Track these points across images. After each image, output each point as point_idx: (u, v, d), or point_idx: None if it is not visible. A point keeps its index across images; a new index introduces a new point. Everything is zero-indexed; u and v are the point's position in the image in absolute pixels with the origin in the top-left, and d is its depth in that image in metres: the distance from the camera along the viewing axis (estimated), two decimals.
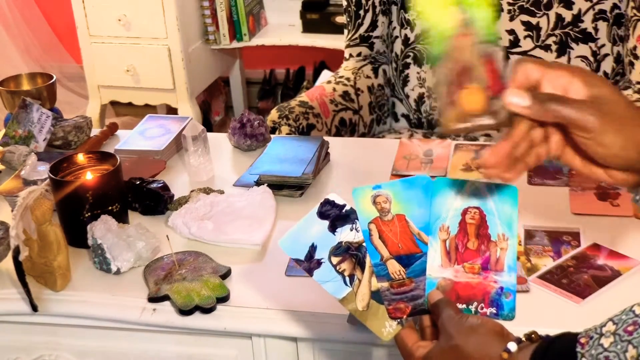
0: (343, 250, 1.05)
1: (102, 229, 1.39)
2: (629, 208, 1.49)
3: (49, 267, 1.34)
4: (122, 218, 1.48)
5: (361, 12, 2.47)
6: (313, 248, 1.05)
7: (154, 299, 1.31)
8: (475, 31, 0.94)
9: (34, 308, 1.33)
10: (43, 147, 1.80)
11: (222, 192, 1.61)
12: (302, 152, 1.71)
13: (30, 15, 4.13)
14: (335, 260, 1.04)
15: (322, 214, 1.07)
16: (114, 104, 3.75)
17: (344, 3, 2.49)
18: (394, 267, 1.04)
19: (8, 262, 1.37)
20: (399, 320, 1.02)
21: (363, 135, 2.42)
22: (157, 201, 1.56)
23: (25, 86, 2.01)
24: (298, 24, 3.48)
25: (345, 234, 1.05)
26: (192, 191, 1.61)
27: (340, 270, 1.04)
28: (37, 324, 1.38)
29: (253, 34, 3.52)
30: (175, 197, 1.59)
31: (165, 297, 1.31)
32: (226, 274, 1.36)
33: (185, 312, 1.28)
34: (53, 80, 1.97)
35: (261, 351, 1.31)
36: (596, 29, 2.28)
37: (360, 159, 1.77)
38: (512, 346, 0.89)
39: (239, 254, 1.43)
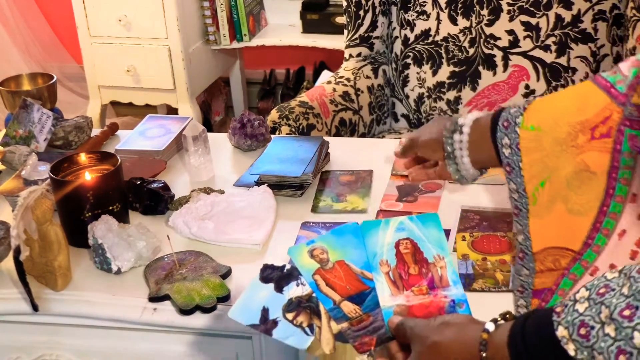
0: (295, 305, 1.07)
1: (103, 229, 1.39)
2: None
3: (50, 266, 1.34)
4: (122, 218, 1.48)
5: (361, 13, 2.47)
6: (265, 310, 1.07)
7: (154, 298, 1.32)
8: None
9: (35, 308, 1.33)
10: (44, 147, 1.80)
11: (222, 192, 1.61)
12: (302, 152, 1.71)
13: (31, 15, 4.13)
14: (290, 315, 1.06)
15: (265, 279, 1.09)
16: (114, 104, 3.75)
17: (344, 3, 2.50)
18: (349, 307, 1.07)
19: (9, 262, 1.37)
20: (368, 353, 1.04)
21: (363, 135, 2.43)
22: (157, 201, 1.56)
23: (26, 86, 2.01)
24: (298, 24, 3.49)
25: (293, 290, 1.08)
26: (192, 191, 1.61)
27: (298, 324, 1.06)
28: (37, 324, 1.38)
29: (253, 34, 3.52)
30: (176, 197, 1.59)
31: (166, 297, 1.31)
32: (226, 274, 1.36)
33: (185, 311, 1.28)
34: (53, 80, 1.98)
35: (261, 351, 1.31)
36: (595, 30, 2.29)
37: (360, 159, 1.77)
38: (490, 326, 0.90)
39: (239, 253, 1.43)
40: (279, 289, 1.08)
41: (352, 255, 1.10)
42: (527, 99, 1.19)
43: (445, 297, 1.07)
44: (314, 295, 1.07)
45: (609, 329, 0.78)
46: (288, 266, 1.10)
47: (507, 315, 0.92)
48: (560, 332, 0.81)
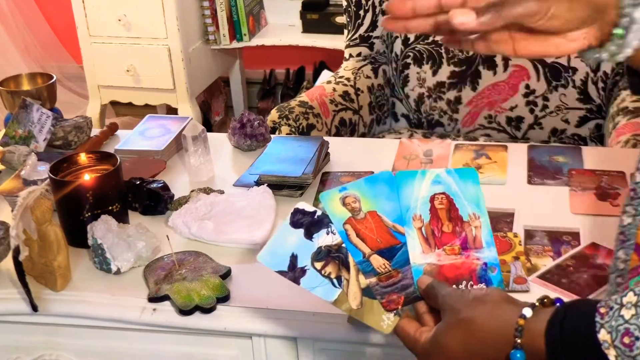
0: (324, 255, 1.05)
1: (102, 229, 1.39)
2: None
3: (49, 267, 1.34)
4: (122, 218, 1.48)
5: (361, 12, 2.47)
6: (294, 257, 1.05)
7: (154, 298, 1.31)
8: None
9: (34, 308, 1.33)
10: (43, 147, 1.80)
11: (222, 192, 1.61)
12: (302, 152, 1.71)
13: (30, 15, 4.13)
14: (318, 265, 1.04)
15: (295, 224, 1.07)
16: (114, 104, 3.75)
17: (344, 3, 2.50)
18: (378, 261, 1.04)
19: (8, 262, 1.37)
20: (395, 311, 1.02)
21: (363, 135, 2.42)
22: (157, 201, 1.56)
23: (26, 86, 2.01)
24: (298, 24, 3.49)
25: (323, 239, 1.06)
26: (192, 191, 1.61)
27: (326, 274, 1.04)
28: (37, 324, 1.38)
29: (253, 34, 3.52)
30: (176, 197, 1.59)
31: (166, 297, 1.31)
32: (226, 274, 1.36)
33: (185, 312, 1.28)
34: (53, 80, 1.98)
35: (261, 351, 1.31)
36: None
37: (360, 159, 1.77)
38: (528, 312, 0.86)
39: (239, 254, 1.43)
40: (309, 235, 1.06)
41: (385, 207, 1.06)
42: None
43: (477, 260, 1.04)
44: (343, 245, 1.05)
45: None
46: (319, 212, 1.07)
47: (545, 300, 0.88)
48: (603, 335, 0.79)
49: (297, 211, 1.08)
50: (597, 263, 1.34)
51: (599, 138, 2.36)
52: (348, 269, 1.04)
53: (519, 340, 0.85)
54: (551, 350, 0.83)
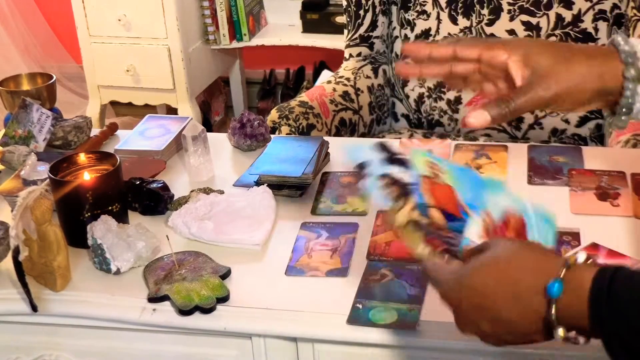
0: (392, 179, 1.06)
1: (102, 229, 1.39)
2: (629, 208, 1.49)
3: (49, 267, 1.34)
4: (122, 218, 1.48)
5: (361, 12, 2.47)
6: (367, 163, 1.08)
7: (153, 299, 1.31)
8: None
9: (34, 308, 1.33)
10: (43, 147, 1.80)
11: (222, 192, 1.61)
12: (302, 152, 1.71)
13: (30, 15, 4.13)
14: (384, 181, 1.06)
15: (382, 148, 1.10)
16: (114, 104, 3.75)
17: (344, 3, 2.50)
18: (437, 215, 1.04)
19: (8, 262, 1.37)
20: (432, 250, 1.01)
21: (363, 135, 2.42)
22: (157, 201, 1.56)
23: (25, 86, 2.01)
24: (298, 24, 3.49)
25: (397, 171, 1.07)
26: (192, 191, 1.61)
27: (386, 192, 1.05)
28: (37, 324, 1.37)
29: (253, 34, 3.52)
30: (175, 197, 1.59)
31: (165, 297, 1.31)
32: (226, 274, 1.36)
33: (185, 312, 1.28)
34: (53, 80, 1.98)
35: (261, 351, 1.31)
36: (596, 29, 2.28)
37: (360, 159, 1.76)
38: (582, 256, 0.85)
39: (239, 254, 1.43)
40: (389, 163, 1.08)
41: (464, 191, 1.06)
42: None
43: None
44: (413, 185, 1.05)
45: None
46: (403, 156, 1.09)
47: (589, 261, 0.87)
48: None
49: (382, 145, 1.11)
50: (597, 263, 1.34)
51: (599, 138, 2.36)
52: (407, 201, 1.04)
53: (561, 274, 0.83)
54: (595, 294, 0.81)
